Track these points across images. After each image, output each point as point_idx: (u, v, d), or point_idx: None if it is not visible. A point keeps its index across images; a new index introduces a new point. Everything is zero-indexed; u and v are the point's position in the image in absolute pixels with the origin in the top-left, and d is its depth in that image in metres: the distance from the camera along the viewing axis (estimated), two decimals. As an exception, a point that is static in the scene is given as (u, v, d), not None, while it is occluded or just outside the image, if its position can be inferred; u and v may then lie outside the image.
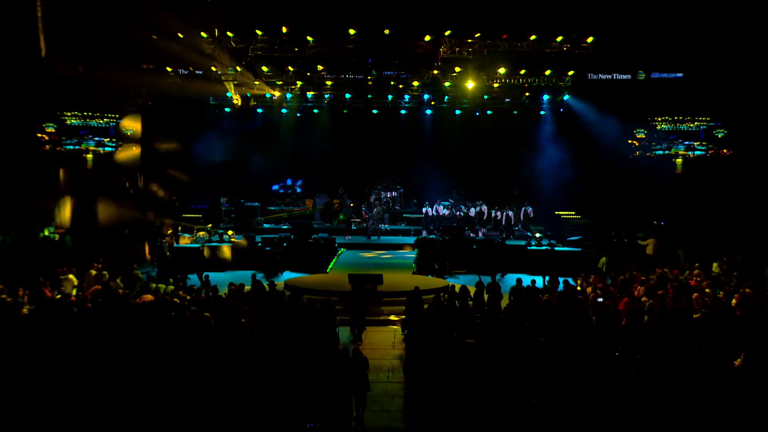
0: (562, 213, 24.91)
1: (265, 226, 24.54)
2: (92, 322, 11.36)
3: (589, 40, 22.31)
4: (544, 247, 20.54)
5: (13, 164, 21.00)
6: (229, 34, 22.37)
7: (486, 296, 14.30)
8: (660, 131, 24.83)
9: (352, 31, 22.01)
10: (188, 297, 13.41)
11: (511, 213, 23.23)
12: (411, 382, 10.03)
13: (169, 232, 21.05)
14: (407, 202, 26.89)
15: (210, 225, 22.20)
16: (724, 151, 23.81)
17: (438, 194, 25.05)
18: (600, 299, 13.68)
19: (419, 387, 9.60)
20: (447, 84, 24.19)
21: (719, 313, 12.16)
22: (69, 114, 23.40)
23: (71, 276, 14.78)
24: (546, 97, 25.40)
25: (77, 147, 23.45)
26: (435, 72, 23.52)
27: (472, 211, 23.73)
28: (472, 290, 14.49)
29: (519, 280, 15.05)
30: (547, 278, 16.06)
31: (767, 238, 19.15)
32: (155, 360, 9.58)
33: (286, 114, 26.97)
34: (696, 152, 24.40)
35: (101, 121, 23.79)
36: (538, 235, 22.08)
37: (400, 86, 24.77)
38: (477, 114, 26.47)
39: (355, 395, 9.66)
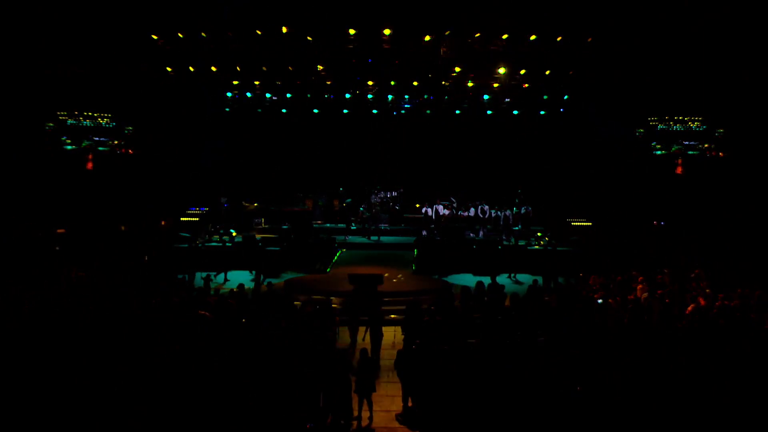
0: (560, 213, 24.88)
1: (266, 226, 24.49)
2: (92, 323, 11.36)
3: (589, 40, 22.28)
4: (543, 247, 20.54)
5: (13, 164, 20.99)
6: (229, 34, 22.33)
7: (486, 297, 14.29)
8: (660, 131, 24.82)
9: (352, 31, 21.98)
10: (188, 298, 13.41)
11: (510, 213, 23.22)
12: (407, 383, 10.04)
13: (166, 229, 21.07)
14: (407, 202, 26.85)
15: (209, 225, 22.17)
16: (720, 154, 23.79)
17: (438, 194, 25.04)
18: (600, 300, 13.68)
19: (416, 388, 9.61)
20: (447, 84, 24.15)
21: (717, 313, 12.16)
22: (69, 114, 23.36)
23: (71, 276, 14.78)
24: (546, 97, 25.39)
25: (77, 147, 23.42)
26: (434, 72, 23.49)
27: (472, 211, 23.72)
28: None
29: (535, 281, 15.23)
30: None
31: (766, 238, 19.17)
32: (155, 360, 9.58)
33: (286, 114, 26.98)
34: (696, 152, 24.39)
35: (101, 121, 23.76)
36: (539, 234, 22.10)
37: (401, 86, 24.75)
38: (477, 114, 26.44)
39: (364, 397, 9.70)
